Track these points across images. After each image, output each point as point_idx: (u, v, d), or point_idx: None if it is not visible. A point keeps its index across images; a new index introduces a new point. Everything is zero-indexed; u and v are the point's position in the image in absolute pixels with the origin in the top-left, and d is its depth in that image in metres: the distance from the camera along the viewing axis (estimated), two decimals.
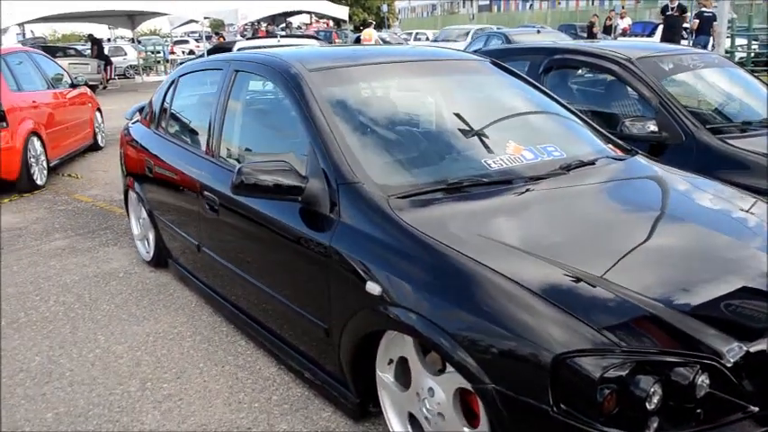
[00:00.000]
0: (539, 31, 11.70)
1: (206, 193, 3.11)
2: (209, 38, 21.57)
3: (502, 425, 1.79)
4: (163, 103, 4.03)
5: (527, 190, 2.42)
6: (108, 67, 19.04)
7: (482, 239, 2.07)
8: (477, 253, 1.98)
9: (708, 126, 3.82)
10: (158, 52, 24.58)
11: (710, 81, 4.45)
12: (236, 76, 3.21)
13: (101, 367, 3.02)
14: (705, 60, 4.55)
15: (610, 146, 3.00)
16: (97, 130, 8.77)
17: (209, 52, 18.67)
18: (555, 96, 3.31)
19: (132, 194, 4.38)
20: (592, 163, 2.73)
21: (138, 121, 4.50)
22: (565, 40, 13.04)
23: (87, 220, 5.53)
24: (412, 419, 2.23)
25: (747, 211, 2.52)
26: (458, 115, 2.86)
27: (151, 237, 4.19)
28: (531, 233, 2.17)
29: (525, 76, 3.45)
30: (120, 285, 4.02)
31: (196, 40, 31.01)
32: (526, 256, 1.98)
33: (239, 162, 3.01)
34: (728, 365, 1.70)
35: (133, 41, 23.95)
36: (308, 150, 2.53)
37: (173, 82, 3.98)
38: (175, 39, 29.79)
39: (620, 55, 4.22)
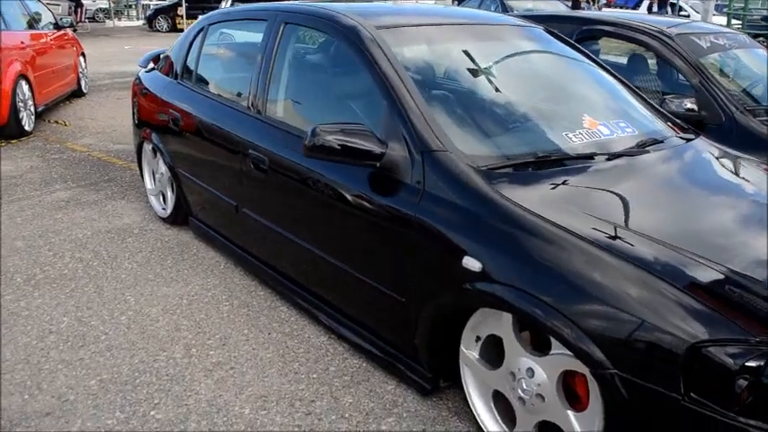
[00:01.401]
0: None
1: (252, 151, 2.94)
2: None
3: (622, 411, 1.73)
4: (188, 53, 3.78)
5: (615, 166, 2.34)
6: (78, 10, 18.14)
7: (591, 218, 1.98)
8: (591, 233, 1.90)
9: (747, 108, 3.80)
10: None
11: (744, 61, 4.42)
12: (284, 29, 3.01)
13: (137, 331, 2.86)
14: (737, 40, 4.51)
15: (669, 123, 2.94)
16: (81, 75, 8.34)
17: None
18: (610, 69, 3.22)
19: (147, 147, 4.14)
20: (661, 141, 2.67)
21: (153, 69, 4.24)
22: (559, 6, 12.92)
23: (87, 170, 5.26)
24: (496, 397, 2.17)
25: None
26: (531, 84, 2.75)
27: (169, 192, 3.99)
28: (637, 214, 2.09)
29: (578, 46, 3.33)
30: (138, 242, 3.83)
31: None
32: (641, 238, 1.90)
33: (291, 122, 2.84)
34: None
35: None
36: (385, 114, 2.39)
37: (200, 30, 3.74)
38: None
39: (659, 30, 4.14)
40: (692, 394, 1.62)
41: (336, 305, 2.73)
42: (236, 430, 2.24)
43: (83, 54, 8.53)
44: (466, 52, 2.76)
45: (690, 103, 3.89)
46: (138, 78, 4.35)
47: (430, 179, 2.19)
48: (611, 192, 2.20)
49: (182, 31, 17.96)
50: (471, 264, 2.00)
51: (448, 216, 2.11)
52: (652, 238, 1.91)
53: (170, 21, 19.29)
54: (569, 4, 18.75)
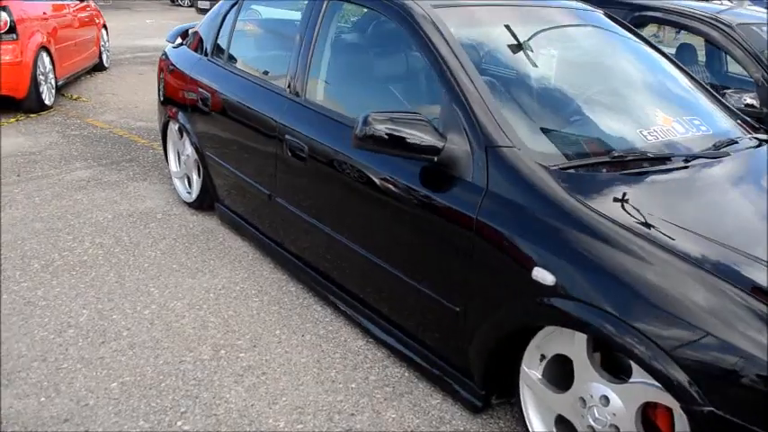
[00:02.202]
0: None
1: (289, 137, 2.72)
2: None
3: None
4: (220, 29, 3.55)
5: (697, 170, 2.10)
6: None
7: (682, 230, 1.75)
8: (685, 248, 1.66)
9: None
10: None
11: None
12: (328, 5, 2.77)
13: (162, 327, 2.67)
14: None
15: (738, 121, 2.67)
16: (103, 48, 8.14)
17: None
18: (675, 59, 2.96)
19: (173, 126, 3.94)
20: (736, 141, 2.41)
21: (182, 44, 4.02)
22: None
23: (108, 148, 5.07)
24: (559, 422, 1.95)
25: None
26: (599, 75, 2.50)
27: (195, 176, 3.78)
28: (731, 226, 1.86)
29: (641, 34, 3.06)
30: (161, 228, 3.63)
31: None
32: (742, 257, 1.66)
33: (334, 107, 2.62)
34: None
35: None
36: (443, 104, 2.15)
37: (234, 4, 3.50)
38: None
39: (718, 18, 3.85)
40: None
41: (377, 308, 2.52)
42: None
43: (105, 27, 8.33)
44: (530, 37, 2.51)
45: (750, 99, 3.62)
46: (165, 54, 4.13)
47: (494, 178, 1.96)
48: (697, 199, 1.97)
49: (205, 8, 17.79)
50: (543, 276, 1.77)
51: (515, 220, 1.88)
52: (752, 255, 1.67)
53: None
54: None
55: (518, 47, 2.47)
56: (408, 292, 2.28)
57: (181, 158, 3.95)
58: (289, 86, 2.84)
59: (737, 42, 3.72)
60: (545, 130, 2.17)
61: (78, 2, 7.37)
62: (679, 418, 1.61)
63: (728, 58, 4.41)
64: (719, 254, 1.67)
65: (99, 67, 8.13)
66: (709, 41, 3.97)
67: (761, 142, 2.47)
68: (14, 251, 3.27)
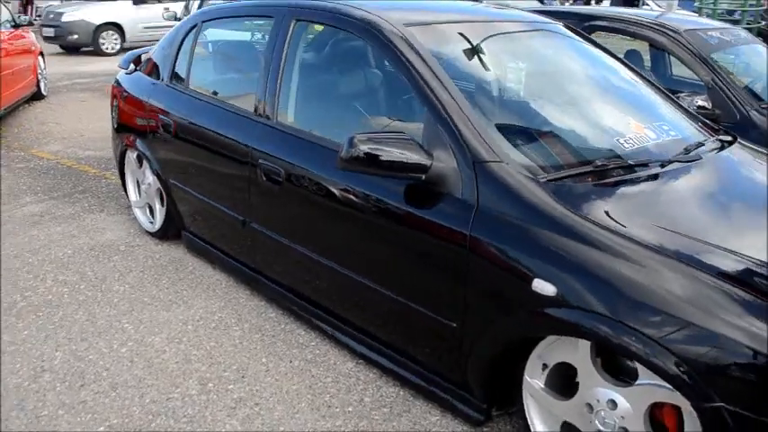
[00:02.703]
0: None
1: (263, 162, 2.68)
2: None
3: None
4: (178, 54, 3.48)
5: (675, 173, 2.17)
6: (29, 6, 17.30)
7: (671, 233, 1.81)
8: (677, 249, 1.72)
9: (763, 106, 3.71)
10: None
11: (748, 58, 4.34)
12: (295, 26, 2.75)
13: (143, 365, 2.58)
14: (738, 36, 4.44)
15: (699, 124, 2.79)
16: (40, 76, 7.85)
17: None
18: (635, 68, 3.06)
19: (131, 155, 3.82)
20: (703, 144, 2.51)
21: (135, 71, 3.91)
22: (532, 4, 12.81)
23: (57, 180, 4.87)
24: (564, 430, 1.97)
25: None
26: (571, 87, 2.57)
27: (158, 205, 3.68)
28: (718, 226, 1.93)
29: (599, 43, 3.16)
30: (126, 261, 3.51)
31: None
32: (731, 255, 1.73)
33: (310, 129, 2.60)
34: None
35: None
36: (426, 122, 2.17)
37: (192, 28, 3.43)
38: None
39: (666, 25, 4.02)
40: None
41: (366, 329, 2.50)
42: None
43: (41, 54, 8.04)
44: (502, 52, 2.56)
45: (702, 101, 3.77)
46: (117, 81, 4.02)
47: (485, 193, 1.98)
48: (679, 202, 2.03)
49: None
50: (543, 287, 1.79)
51: (510, 234, 1.90)
52: (740, 253, 1.74)
53: None
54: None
55: (489, 63, 2.50)
56: (401, 311, 2.27)
57: (141, 187, 3.84)
58: (258, 110, 2.80)
59: (686, 47, 3.88)
60: (527, 144, 2.21)
61: (13, 29, 7.09)
62: (688, 415, 1.65)
63: (672, 61, 4.62)
64: (711, 254, 1.73)
65: (37, 96, 7.83)
66: (658, 47, 4.13)
67: (723, 143, 2.57)
68: None
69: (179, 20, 9.94)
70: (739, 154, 2.52)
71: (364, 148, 2.01)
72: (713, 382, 1.55)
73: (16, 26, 7.16)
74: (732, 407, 1.53)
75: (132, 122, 3.73)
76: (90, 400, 2.36)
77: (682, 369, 1.58)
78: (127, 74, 3.98)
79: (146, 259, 3.54)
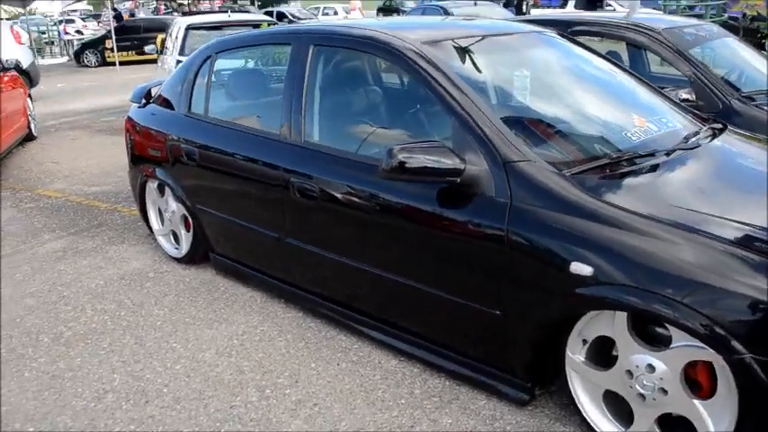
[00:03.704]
0: (476, 4, 11.80)
1: (296, 180, 2.86)
2: (117, 17, 20.00)
3: (760, 392, 1.77)
4: (194, 84, 3.66)
5: (680, 159, 2.41)
6: None
7: (688, 211, 2.03)
8: (695, 225, 1.95)
9: (742, 94, 3.99)
10: (44, 33, 22.77)
11: (723, 51, 4.64)
12: (314, 51, 2.96)
13: (199, 379, 2.73)
14: (711, 31, 4.74)
15: (691, 115, 3.04)
16: (30, 118, 7.95)
17: (117, 30, 17.46)
18: (626, 68, 3.32)
19: (152, 185, 3.98)
20: (698, 132, 2.76)
21: (147, 104, 4.08)
22: (496, 8, 13.22)
23: (71, 217, 5.00)
24: (606, 398, 2.18)
25: None
26: (577, 89, 2.80)
27: (183, 231, 3.84)
28: (719, 201, 2.17)
29: (591, 48, 3.42)
30: (159, 286, 3.66)
31: (83, 20, 28.86)
32: (736, 224, 1.97)
33: (341, 146, 2.80)
34: None
35: (16, 22, 21.88)
36: (455, 129, 2.38)
37: (206, 59, 3.62)
38: (59, 19, 27.49)
39: (646, 26, 4.30)
40: None
41: (407, 328, 2.68)
42: None
43: (30, 96, 8.14)
44: (507, 62, 2.79)
45: (685, 94, 4.05)
46: (130, 116, 4.18)
47: (516, 190, 2.19)
48: (689, 183, 2.27)
49: (113, 64, 17.58)
50: (581, 269, 2.01)
51: (544, 224, 2.11)
52: (748, 223, 1.98)
53: (99, 55, 18.67)
54: (510, 8, 19.30)
55: (504, 73, 2.74)
56: (443, 307, 2.46)
57: (164, 216, 3.99)
58: (284, 132, 2.98)
59: (666, 45, 4.16)
60: (548, 143, 2.43)
61: (2, 73, 7.20)
62: (720, 369, 1.87)
63: (649, 59, 4.90)
64: (720, 225, 1.96)
65: (28, 138, 7.92)
66: (637, 47, 4.40)
67: (714, 131, 2.83)
68: (16, 329, 3.23)
69: (159, 53, 10.12)
70: (731, 139, 2.77)
71: (403, 157, 2.21)
72: (739, 335, 1.77)
73: (4, 69, 7.26)
74: (759, 356, 1.74)
75: (151, 154, 3.89)
76: (157, 414, 2.51)
77: (710, 327, 1.80)
78: (139, 107, 4.14)
79: (177, 283, 3.69)
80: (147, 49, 10.68)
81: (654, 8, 13.66)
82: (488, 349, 2.40)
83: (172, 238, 4.00)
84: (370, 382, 2.64)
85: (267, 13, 21.44)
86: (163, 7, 24.75)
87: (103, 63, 18.46)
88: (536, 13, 18.31)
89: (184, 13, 18.41)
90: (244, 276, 3.54)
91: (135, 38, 18.06)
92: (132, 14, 23.43)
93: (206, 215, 3.56)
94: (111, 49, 17.79)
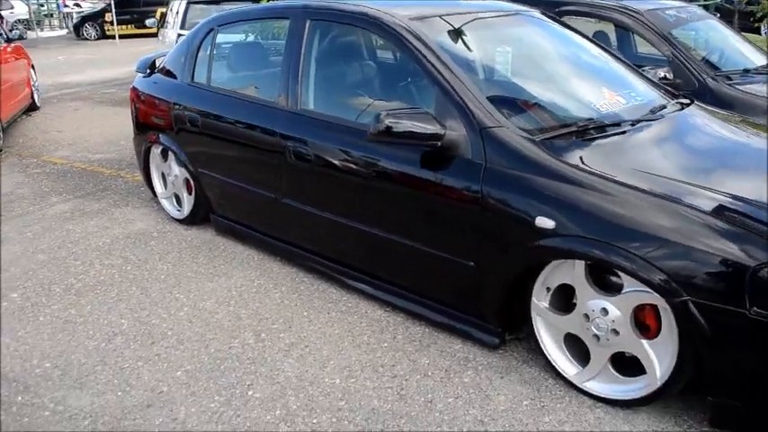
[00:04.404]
0: None
1: (292, 144, 3.09)
2: None
3: (696, 331, 2.02)
4: (197, 56, 3.87)
5: (643, 129, 2.65)
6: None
7: (642, 173, 2.27)
8: (646, 184, 2.19)
9: (718, 74, 4.22)
10: (42, 5, 22.80)
11: (703, 32, 4.86)
12: (311, 25, 3.17)
13: (201, 324, 2.99)
14: (693, 13, 4.96)
15: (662, 91, 3.27)
16: (34, 88, 8.13)
17: (117, 4, 17.52)
18: (604, 46, 3.54)
19: (156, 150, 4.21)
20: (665, 106, 2.99)
21: (153, 73, 4.28)
22: None
23: (77, 181, 5.23)
24: (566, 340, 2.43)
25: None
26: (552, 64, 3.02)
27: (185, 194, 4.07)
28: (674, 165, 2.41)
29: (572, 26, 3.63)
30: (162, 245, 3.91)
31: None
32: (687, 185, 2.21)
33: (334, 113, 3.02)
34: None
35: None
36: (437, 98, 2.60)
37: (209, 32, 3.83)
38: None
39: (629, 7, 4.51)
40: (755, 308, 1.92)
41: (393, 281, 2.93)
42: (335, 398, 2.43)
43: (33, 67, 8.31)
44: (491, 38, 3.01)
45: (664, 73, 4.27)
46: (135, 86, 4.39)
47: (491, 153, 2.43)
48: (647, 150, 2.51)
49: (112, 38, 17.69)
50: (545, 223, 2.25)
51: (514, 183, 2.35)
52: (696, 184, 2.22)
53: (98, 28, 18.75)
54: None
55: (485, 47, 2.96)
56: (424, 260, 2.71)
57: (167, 180, 4.22)
58: (282, 100, 3.20)
59: (647, 26, 4.37)
60: (522, 112, 2.66)
61: (7, 44, 7.37)
62: (663, 311, 2.12)
63: (636, 40, 5.11)
64: (676, 187, 2.20)
65: (32, 108, 8.11)
66: (623, 27, 4.62)
67: (682, 105, 3.06)
68: (30, 281, 3.47)
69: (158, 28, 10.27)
70: (695, 113, 3.01)
71: (389, 122, 2.44)
72: (680, 282, 2.02)
73: (9, 40, 7.43)
74: (694, 298, 1.99)
75: (155, 121, 4.11)
76: (163, 353, 2.76)
77: (657, 275, 2.04)
78: (144, 77, 4.35)
79: (179, 242, 3.93)
80: (148, 22, 10.80)
81: None
82: (463, 298, 2.66)
83: (174, 200, 4.23)
84: (356, 328, 2.90)
85: None
86: None
87: (103, 36, 18.54)
88: None
89: None
90: (242, 235, 3.78)
91: (135, 11, 18.14)
92: None
93: (207, 178, 3.79)
94: (111, 23, 17.87)
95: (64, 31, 21.09)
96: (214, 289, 3.31)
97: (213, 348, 2.79)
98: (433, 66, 2.64)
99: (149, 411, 2.40)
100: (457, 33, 2.94)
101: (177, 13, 8.55)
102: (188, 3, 7.96)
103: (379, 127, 2.45)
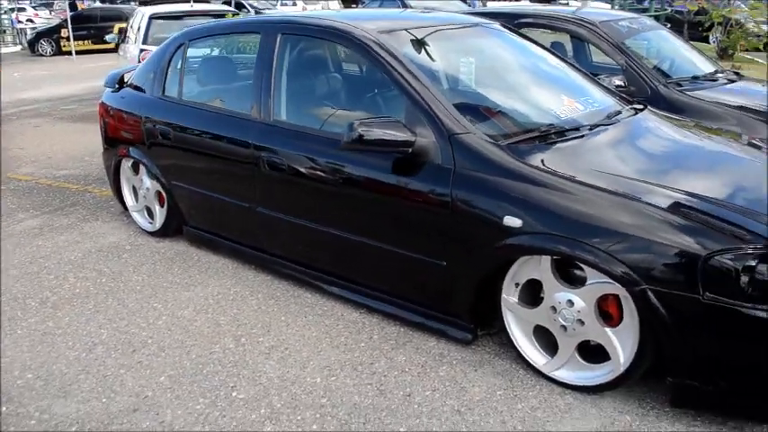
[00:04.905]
0: None
1: (266, 155, 3.18)
2: (71, 5, 19.79)
3: (655, 317, 2.18)
4: (168, 69, 3.93)
5: (600, 133, 2.83)
6: None
7: (601, 173, 2.44)
8: (605, 183, 2.35)
9: (669, 81, 4.46)
10: None
11: (655, 42, 5.12)
12: (281, 40, 3.27)
13: (180, 331, 3.04)
14: (645, 24, 5.23)
15: (617, 98, 3.47)
16: None
17: (73, 19, 17.32)
18: (561, 56, 3.74)
19: (126, 164, 4.24)
20: (620, 112, 3.19)
21: (122, 88, 4.32)
22: (458, 5, 13.61)
23: (43, 198, 5.20)
24: (535, 332, 2.57)
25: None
26: (514, 73, 3.19)
27: (157, 206, 4.12)
28: (630, 166, 2.58)
29: (531, 38, 3.82)
30: (136, 257, 3.94)
31: (34, 8, 28.21)
32: (642, 183, 2.38)
33: (306, 124, 3.13)
34: None
35: None
36: (407, 107, 2.74)
37: (179, 46, 3.90)
38: (9, 6, 26.84)
39: (585, 19, 4.75)
40: (707, 293, 2.09)
41: (367, 284, 3.04)
42: (318, 396, 2.52)
43: None
44: (455, 50, 3.16)
45: (618, 81, 4.50)
46: (105, 100, 4.42)
47: (459, 158, 2.57)
48: (606, 152, 2.68)
49: (69, 53, 17.43)
50: (512, 222, 2.40)
51: (482, 186, 2.49)
52: (651, 182, 2.39)
53: (54, 44, 18.46)
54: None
55: (450, 58, 3.11)
56: (398, 262, 2.82)
57: (138, 193, 4.25)
58: (255, 112, 3.29)
59: (602, 36, 4.61)
60: (487, 119, 2.81)
61: None
62: (625, 300, 2.28)
63: (591, 50, 5.36)
64: (633, 185, 2.37)
65: None
66: (578, 38, 4.85)
67: (636, 111, 3.26)
68: (4, 296, 3.47)
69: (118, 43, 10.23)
70: (648, 117, 3.21)
71: (362, 130, 2.56)
72: (639, 272, 2.18)
73: None
74: (653, 287, 2.15)
75: (126, 135, 4.15)
76: (145, 360, 2.81)
77: (617, 266, 2.20)
78: (113, 92, 4.38)
79: (153, 254, 3.97)
80: (108, 38, 10.75)
81: (605, 0, 14.31)
82: (437, 298, 2.78)
83: (146, 213, 4.27)
84: (334, 330, 2.99)
85: (225, 3, 21.48)
86: None
87: (59, 52, 18.27)
88: (492, 5, 18.80)
89: (142, 3, 18.33)
90: (216, 245, 3.84)
91: (92, 27, 17.94)
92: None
93: (180, 190, 3.84)
94: (68, 38, 17.62)
95: (18, 48, 20.70)
96: (191, 298, 3.37)
97: (194, 354, 2.85)
98: (402, 76, 2.77)
99: (136, 416, 2.45)
100: (423, 45, 3.09)
101: (139, 28, 8.54)
102: (150, 18, 7.96)
103: (353, 135, 2.57)
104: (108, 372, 2.74)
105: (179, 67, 3.88)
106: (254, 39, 3.43)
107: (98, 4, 18.96)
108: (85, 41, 18.11)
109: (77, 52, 17.82)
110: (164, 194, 4.00)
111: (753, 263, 2.08)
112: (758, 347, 2.09)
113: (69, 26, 17.29)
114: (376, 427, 2.34)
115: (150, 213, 4.23)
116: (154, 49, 7.65)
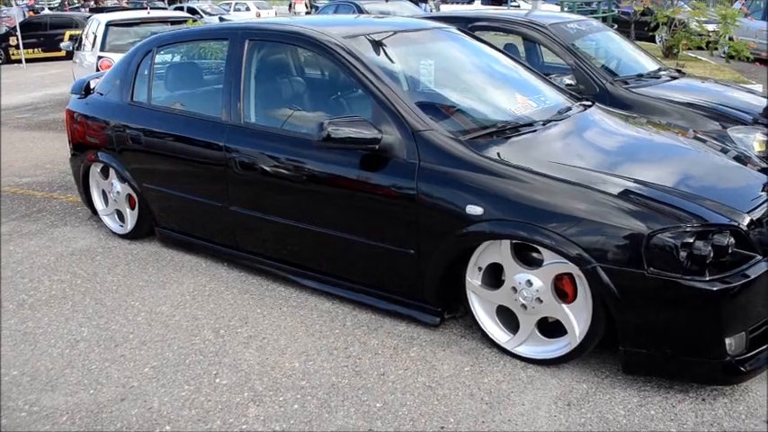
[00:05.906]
0: (387, 0, 12.42)
1: (237, 155, 3.32)
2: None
3: (606, 292, 2.40)
4: (136, 75, 4.03)
5: (552, 127, 3.06)
6: None
7: (554, 164, 2.67)
8: (557, 173, 2.58)
9: (616, 79, 4.75)
10: None
11: (602, 43, 5.42)
12: (249, 45, 3.42)
13: (161, 326, 3.16)
14: (592, 26, 5.52)
15: (567, 96, 3.72)
16: None
17: (23, 27, 17.00)
18: (514, 57, 3.98)
19: (95, 169, 4.32)
20: (570, 108, 3.43)
21: (90, 95, 4.40)
22: (407, 5, 13.85)
23: (9, 205, 5.21)
24: (498, 312, 2.78)
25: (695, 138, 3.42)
26: (471, 73, 3.41)
27: (128, 209, 4.20)
28: (580, 157, 2.82)
29: (485, 40, 4.05)
30: (109, 259, 4.02)
31: None
32: (592, 172, 2.62)
33: (278, 125, 3.29)
34: (744, 229, 2.46)
35: None
36: (373, 107, 2.92)
37: (147, 53, 4.00)
38: None
39: (536, 22, 5.01)
40: (651, 269, 2.33)
41: (339, 275, 3.21)
42: (297, 378, 2.68)
43: None
44: (415, 52, 3.36)
45: (568, 80, 4.77)
46: (72, 107, 4.48)
47: (424, 153, 2.76)
48: (557, 145, 2.92)
49: (18, 62, 17.09)
50: (474, 210, 2.60)
51: (445, 178, 2.69)
52: (599, 170, 2.63)
53: (2, 52, 18.07)
54: (421, 4, 20.06)
55: (410, 60, 3.31)
56: (368, 253, 3.00)
57: (108, 196, 4.33)
58: (225, 115, 3.43)
59: (552, 38, 4.87)
60: (448, 117, 3.02)
61: None
62: (578, 279, 2.50)
63: (542, 51, 5.63)
64: (583, 174, 2.60)
65: None
66: (530, 40, 5.11)
67: (585, 107, 3.51)
68: None
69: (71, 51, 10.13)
70: (596, 112, 3.46)
71: (331, 129, 2.73)
72: (592, 253, 2.40)
73: None
74: (603, 264, 2.38)
75: (94, 140, 4.22)
76: (128, 354, 2.93)
77: (571, 247, 2.42)
78: (80, 98, 4.45)
79: (126, 255, 4.06)
80: (63, 45, 10.63)
81: (555, 3, 14.75)
82: (406, 284, 2.97)
83: (116, 216, 4.34)
84: (308, 319, 3.15)
85: (177, 9, 21.36)
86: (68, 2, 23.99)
87: (8, 61, 17.89)
88: (444, 9, 19.19)
89: (92, 9, 18.07)
90: (189, 245, 3.95)
91: (42, 34, 17.63)
92: (34, 10, 22.64)
93: (152, 192, 3.94)
94: (16, 47, 17.27)
95: None
96: (167, 295, 3.48)
97: (176, 346, 2.97)
98: (367, 78, 2.96)
99: (124, 404, 2.57)
100: (386, 49, 3.28)
101: (95, 35, 8.52)
102: (107, 25, 7.97)
103: (323, 134, 2.74)
104: (93, 365, 2.85)
105: (147, 72, 3.98)
106: (222, 45, 3.57)
107: (47, 11, 18.58)
108: (35, 49, 17.79)
109: (27, 60, 17.49)
110: (135, 197, 4.09)
111: (690, 240, 2.32)
112: (697, 315, 2.33)
113: (18, 34, 16.94)
114: (354, 404, 2.51)
115: (121, 217, 4.31)
116: (112, 56, 7.73)
